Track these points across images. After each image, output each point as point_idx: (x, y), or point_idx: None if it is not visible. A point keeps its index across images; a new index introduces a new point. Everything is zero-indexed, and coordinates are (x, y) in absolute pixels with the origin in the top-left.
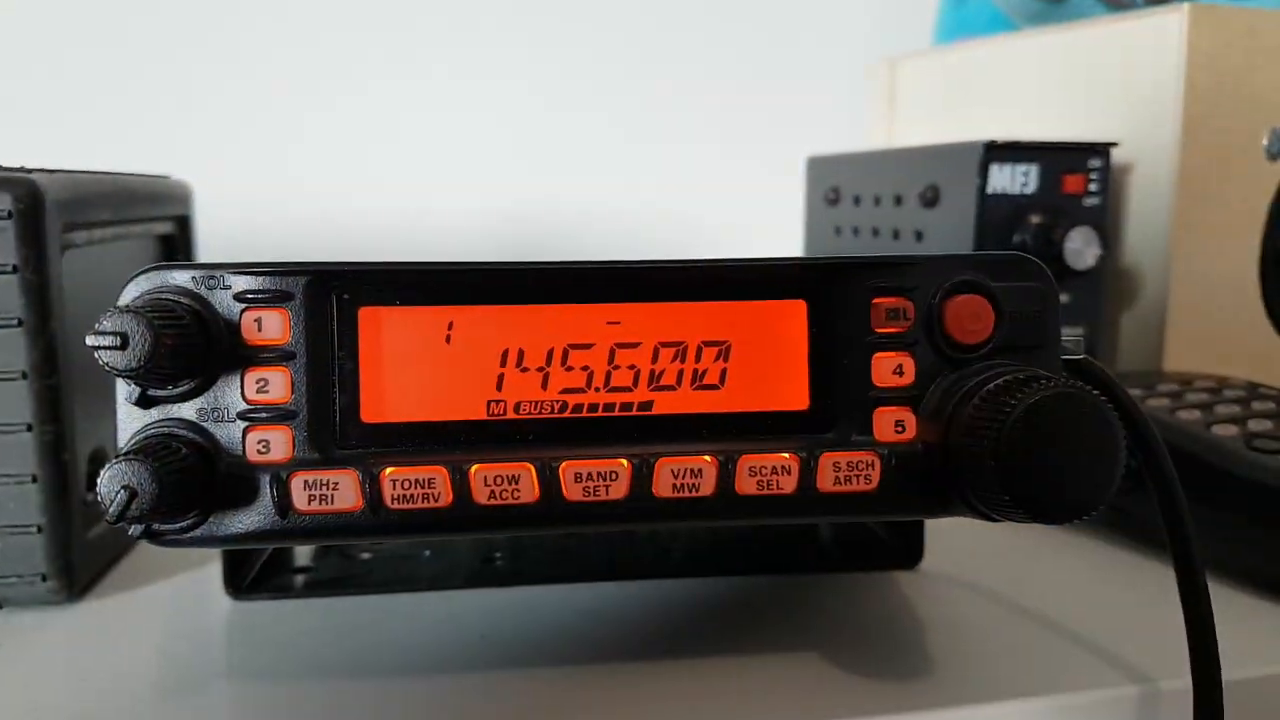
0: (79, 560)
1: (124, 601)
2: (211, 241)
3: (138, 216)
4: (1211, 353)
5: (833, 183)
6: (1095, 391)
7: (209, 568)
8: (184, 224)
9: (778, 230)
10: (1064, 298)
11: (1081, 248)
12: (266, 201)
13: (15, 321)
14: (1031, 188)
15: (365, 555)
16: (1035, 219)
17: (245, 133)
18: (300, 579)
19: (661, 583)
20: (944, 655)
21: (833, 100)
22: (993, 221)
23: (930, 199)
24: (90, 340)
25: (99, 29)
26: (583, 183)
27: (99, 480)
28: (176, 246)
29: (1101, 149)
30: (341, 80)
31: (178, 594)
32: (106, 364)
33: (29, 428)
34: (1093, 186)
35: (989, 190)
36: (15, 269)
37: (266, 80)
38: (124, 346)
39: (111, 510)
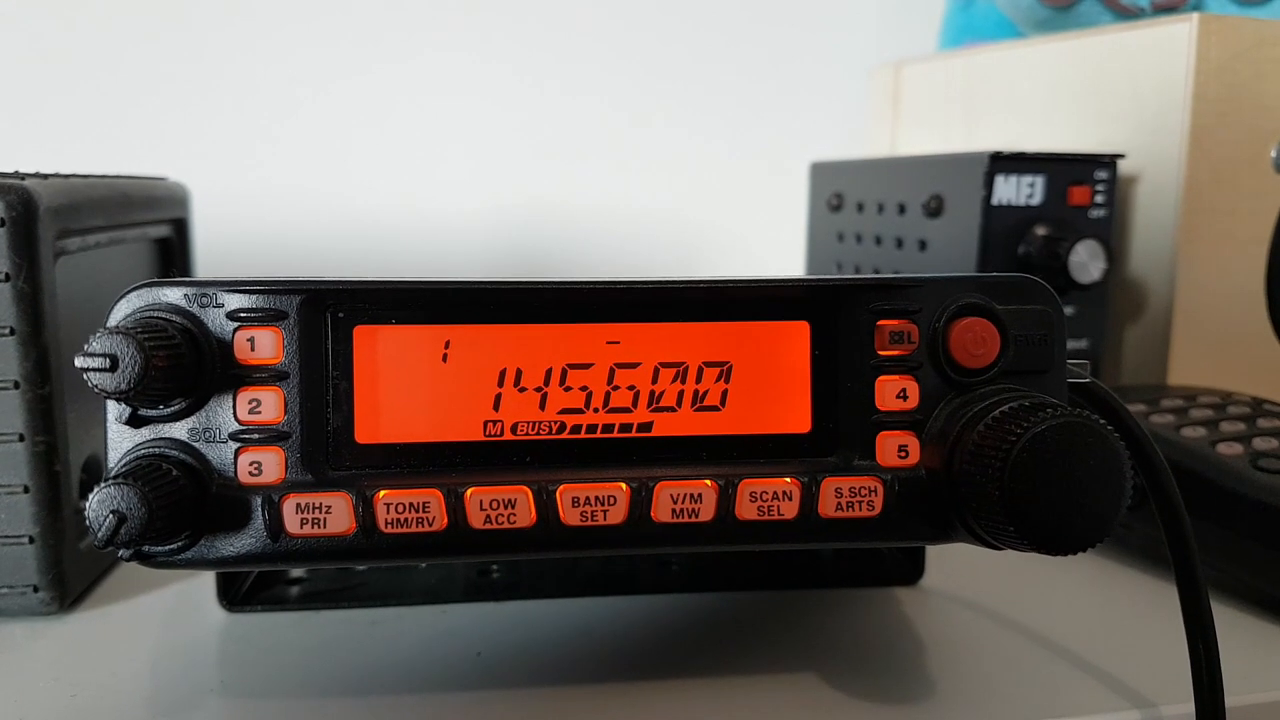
0: (71, 571)
1: (116, 613)
2: (209, 243)
3: (133, 221)
4: (1216, 366)
5: (836, 189)
6: (1101, 420)
7: (202, 579)
8: (181, 227)
9: (779, 235)
10: (1068, 310)
11: (1087, 261)
12: (264, 200)
13: (7, 330)
14: (1037, 199)
15: (360, 567)
16: (1040, 231)
17: (241, 129)
18: (294, 590)
19: (660, 598)
20: (944, 676)
21: (836, 103)
22: (997, 233)
23: (934, 209)
24: (79, 362)
25: (91, 29)
26: (583, 185)
27: (87, 504)
28: (174, 250)
29: (1108, 160)
30: (339, 75)
31: (171, 606)
32: (96, 386)
33: (21, 438)
34: (1099, 198)
35: (994, 201)
36: (7, 277)
37: (263, 76)
38: (114, 368)
39: (100, 535)
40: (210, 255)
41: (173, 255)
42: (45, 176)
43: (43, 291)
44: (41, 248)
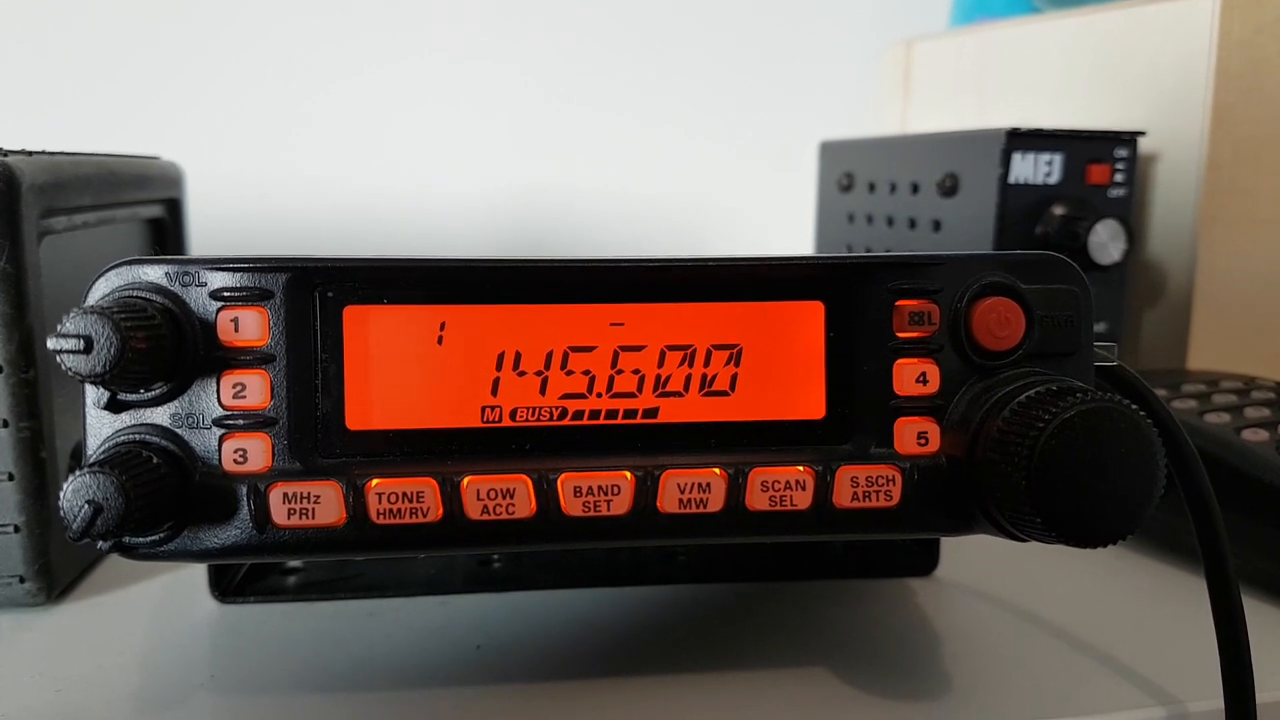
0: (58, 561)
1: (105, 604)
2: (205, 225)
3: (123, 200)
4: (1238, 351)
5: (846, 168)
6: (1133, 405)
7: (194, 569)
8: (174, 207)
9: (787, 217)
10: None
11: (1107, 241)
12: (263, 185)
13: None
14: (1055, 178)
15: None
16: (1058, 211)
17: (241, 116)
18: (289, 581)
19: (666, 589)
20: (959, 671)
21: (846, 82)
22: (1014, 212)
23: (949, 188)
24: (52, 344)
25: (91, 10)
26: (588, 169)
27: (61, 494)
28: (166, 231)
29: (1128, 138)
30: (340, 62)
31: (161, 596)
32: (70, 369)
33: (5, 424)
34: (1118, 177)
35: (1011, 180)
36: None
37: (263, 61)
38: (88, 350)
39: (75, 526)
40: (206, 240)
41: (165, 236)
42: (30, 154)
43: (26, 272)
44: (25, 227)
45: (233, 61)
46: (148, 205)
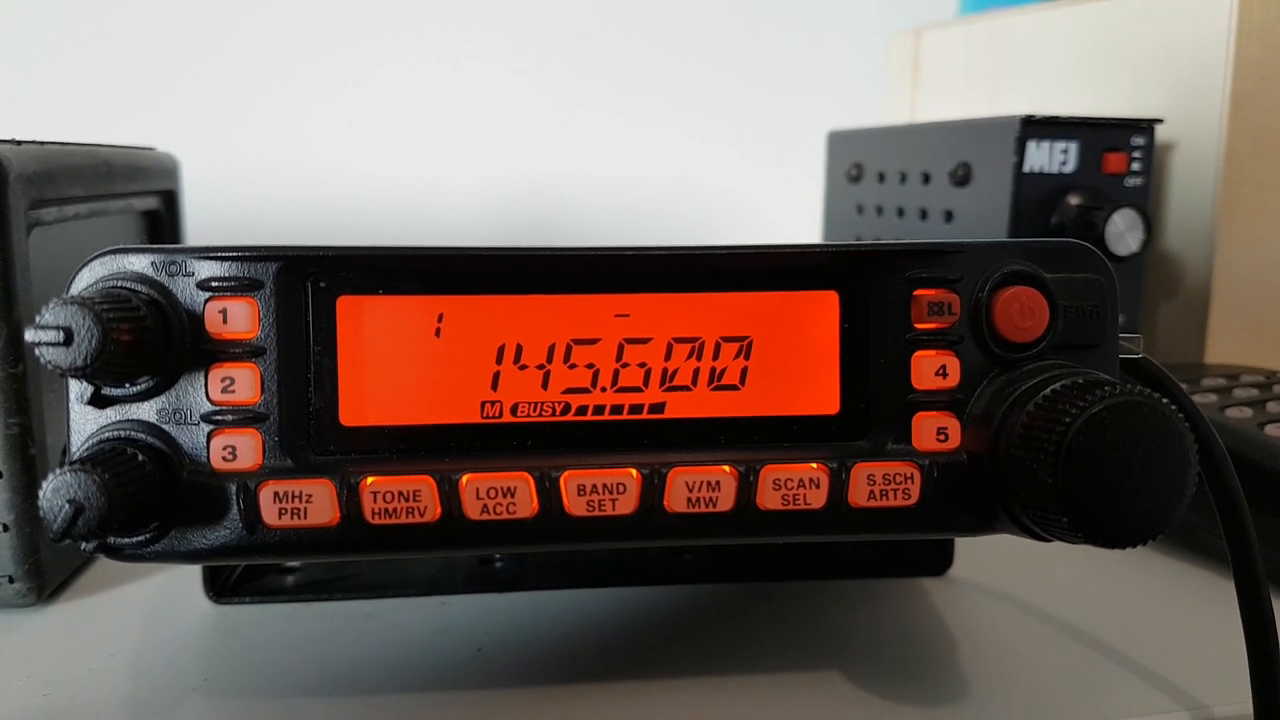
0: (49, 560)
1: (97, 605)
2: (203, 219)
3: (116, 191)
4: (1256, 343)
5: (855, 159)
6: (1164, 399)
7: (188, 568)
8: (170, 199)
9: (795, 208)
10: None
11: (1124, 231)
12: (263, 179)
13: None
14: (1070, 166)
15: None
16: (1074, 200)
17: (245, 111)
18: (286, 581)
19: (672, 589)
20: (974, 674)
21: (853, 71)
22: (1029, 202)
23: (962, 177)
24: (30, 335)
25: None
26: (592, 159)
27: (41, 493)
28: (162, 223)
29: (1145, 126)
30: (343, 61)
31: (155, 597)
32: (49, 362)
33: None
34: (1135, 166)
35: (1026, 169)
36: None
37: (267, 58)
38: (68, 342)
39: (55, 527)
40: (203, 233)
41: (160, 229)
42: (18, 143)
43: (14, 265)
44: (13, 218)
45: (235, 59)
46: (142, 197)
